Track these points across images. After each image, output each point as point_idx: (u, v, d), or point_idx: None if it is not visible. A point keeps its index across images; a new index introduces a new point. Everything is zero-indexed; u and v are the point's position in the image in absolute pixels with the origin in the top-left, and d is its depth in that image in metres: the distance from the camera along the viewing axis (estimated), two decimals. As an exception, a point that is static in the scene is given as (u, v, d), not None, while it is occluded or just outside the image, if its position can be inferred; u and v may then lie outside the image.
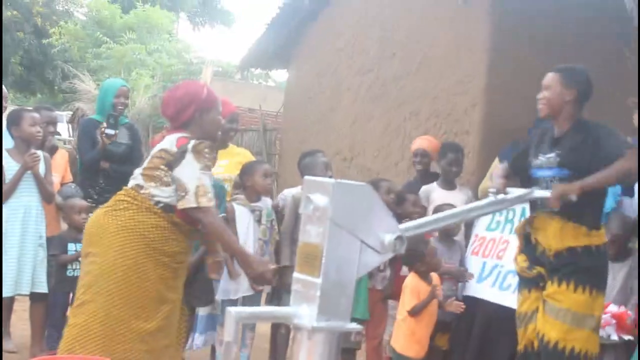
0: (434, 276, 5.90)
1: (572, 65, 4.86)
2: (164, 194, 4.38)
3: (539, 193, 4.65)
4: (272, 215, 6.27)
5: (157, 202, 4.39)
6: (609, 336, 5.19)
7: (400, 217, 6.10)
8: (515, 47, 7.55)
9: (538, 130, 5.04)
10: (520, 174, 4.97)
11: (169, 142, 4.45)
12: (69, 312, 4.77)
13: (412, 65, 8.71)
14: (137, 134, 7.21)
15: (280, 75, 25.08)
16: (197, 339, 6.27)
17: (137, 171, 4.54)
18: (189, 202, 4.30)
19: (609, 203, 5.55)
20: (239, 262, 4.57)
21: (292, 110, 12.20)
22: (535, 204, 4.82)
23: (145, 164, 4.53)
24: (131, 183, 4.53)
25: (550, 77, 4.80)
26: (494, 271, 6.16)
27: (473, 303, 6.18)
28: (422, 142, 7.29)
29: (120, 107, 6.91)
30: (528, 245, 4.88)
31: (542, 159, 4.79)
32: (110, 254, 4.30)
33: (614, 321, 5.17)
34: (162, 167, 4.39)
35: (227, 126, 6.62)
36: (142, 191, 4.42)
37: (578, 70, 4.82)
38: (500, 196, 4.61)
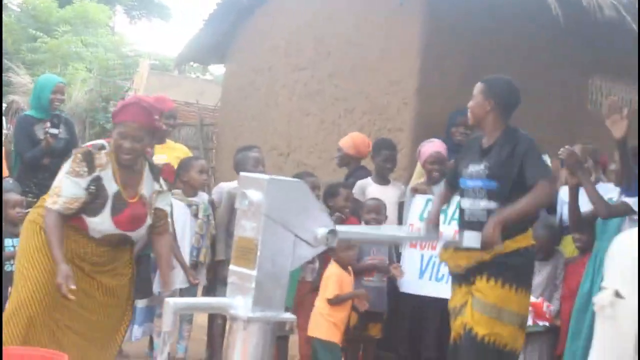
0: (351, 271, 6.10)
1: (497, 75, 5.05)
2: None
3: (468, 242, 4.73)
4: (209, 210, 6.40)
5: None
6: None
7: (332, 211, 6.29)
8: (447, 50, 7.81)
9: (469, 139, 5.27)
10: (456, 187, 5.19)
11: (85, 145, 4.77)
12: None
13: (346, 64, 8.90)
14: (73, 127, 7.37)
15: (218, 69, 25.06)
16: (136, 330, 6.39)
17: None
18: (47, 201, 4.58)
19: None
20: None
21: (229, 105, 12.29)
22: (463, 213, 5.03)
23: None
24: None
25: (476, 87, 5.00)
26: (430, 263, 6.37)
27: (406, 296, 6.40)
28: (342, 141, 7.52)
29: (57, 103, 6.99)
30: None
31: (471, 169, 4.96)
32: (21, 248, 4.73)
33: (531, 308, 5.40)
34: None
35: (164, 122, 6.75)
36: None
37: (499, 81, 4.99)
38: (431, 227, 4.91)
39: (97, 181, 4.55)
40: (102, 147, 4.60)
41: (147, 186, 4.73)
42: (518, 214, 4.72)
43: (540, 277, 5.78)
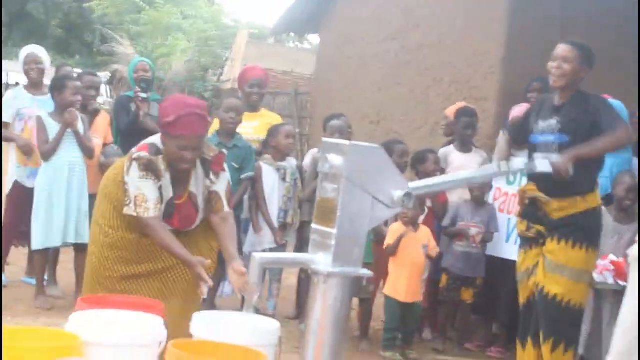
0: (424, 231, 6.32)
1: (585, 43, 5.17)
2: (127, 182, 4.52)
3: (541, 166, 4.93)
4: (297, 174, 6.74)
5: (125, 182, 4.54)
6: (605, 281, 5.62)
7: (421, 177, 6.51)
8: (532, 19, 7.91)
9: (538, 99, 5.43)
10: (519, 142, 5.37)
11: (139, 146, 4.61)
12: None
13: (434, 35, 9.08)
14: None
15: (315, 39, 25.35)
16: (227, 287, 6.80)
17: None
18: (130, 210, 4.48)
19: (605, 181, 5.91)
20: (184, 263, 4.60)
21: (322, 74, 12.58)
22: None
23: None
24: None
25: (568, 50, 5.08)
26: (516, 227, 6.54)
27: (500, 261, 6.59)
28: (449, 109, 7.69)
29: (140, 81, 7.37)
30: (530, 207, 5.28)
31: (542, 125, 5.15)
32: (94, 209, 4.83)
33: (612, 267, 5.57)
34: (127, 163, 4.53)
35: (247, 90, 7.12)
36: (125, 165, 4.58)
37: (590, 49, 5.15)
38: (504, 165, 5.02)
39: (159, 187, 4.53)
40: (158, 152, 4.50)
41: (198, 183, 4.64)
42: (595, 151, 4.93)
43: (622, 240, 5.86)
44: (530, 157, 5.24)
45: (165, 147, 4.48)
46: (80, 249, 6.72)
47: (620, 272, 5.63)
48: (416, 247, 6.24)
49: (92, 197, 6.66)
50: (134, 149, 4.56)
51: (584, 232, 5.05)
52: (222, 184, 4.70)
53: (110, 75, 16.73)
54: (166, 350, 3.62)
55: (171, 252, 4.54)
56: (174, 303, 4.68)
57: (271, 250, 6.53)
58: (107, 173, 4.86)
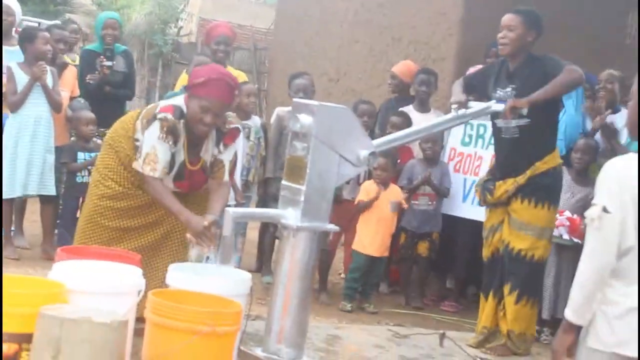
0: (393, 190, 6.58)
1: (530, 8, 5.42)
2: (139, 139, 4.76)
3: (495, 107, 5.26)
4: (260, 133, 6.92)
5: (136, 139, 4.79)
6: (561, 236, 5.95)
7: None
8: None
9: (496, 62, 5.68)
10: (475, 92, 5.61)
11: (165, 101, 4.87)
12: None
13: (394, -6, 9.25)
14: (131, 60, 8.02)
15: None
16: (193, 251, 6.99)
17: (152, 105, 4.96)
18: (137, 165, 4.70)
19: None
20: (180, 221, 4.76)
21: (281, 30, 12.67)
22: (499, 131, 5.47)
23: (152, 105, 4.96)
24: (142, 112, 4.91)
25: (512, 19, 5.33)
26: (472, 187, 6.66)
27: (455, 220, 6.83)
28: (396, 67, 7.86)
29: (109, 39, 7.53)
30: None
31: (500, 92, 5.40)
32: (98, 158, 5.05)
33: (567, 223, 5.88)
34: (146, 120, 4.72)
35: (213, 47, 7.27)
36: (136, 122, 4.80)
37: (537, 14, 5.40)
38: (462, 111, 5.28)
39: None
40: (182, 115, 4.64)
41: (208, 151, 4.83)
42: (546, 93, 5.14)
43: (574, 199, 6.14)
44: (493, 122, 5.52)
45: (188, 109, 4.63)
46: (45, 200, 6.86)
47: (574, 229, 5.94)
48: (385, 204, 6.48)
49: (59, 149, 6.82)
50: (158, 108, 4.68)
51: (545, 191, 5.35)
52: (229, 154, 4.90)
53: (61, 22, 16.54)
54: (145, 298, 3.84)
55: (171, 212, 4.73)
56: (164, 256, 4.90)
57: (237, 205, 6.70)
58: (115, 126, 5.01)
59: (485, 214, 5.65)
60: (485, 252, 5.60)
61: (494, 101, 5.33)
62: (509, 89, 5.35)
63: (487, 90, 5.51)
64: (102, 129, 7.36)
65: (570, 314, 2.88)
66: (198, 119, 4.61)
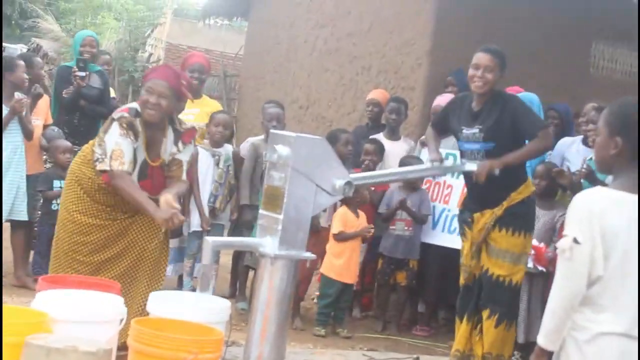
0: (363, 217, 6.71)
1: (499, 49, 5.53)
2: (97, 152, 4.90)
3: (469, 166, 5.44)
4: (230, 161, 7.02)
5: (96, 159, 4.91)
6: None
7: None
8: (458, 14, 8.30)
9: (457, 98, 5.82)
10: (443, 134, 5.79)
11: (120, 109, 5.06)
12: None
13: (364, 24, 9.41)
14: (107, 79, 8.11)
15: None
16: (168, 268, 7.05)
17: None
18: (104, 165, 4.84)
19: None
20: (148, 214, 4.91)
21: (252, 57, 12.79)
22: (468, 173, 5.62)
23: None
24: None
25: (490, 59, 5.40)
26: (442, 215, 6.88)
27: (426, 246, 6.95)
28: (375, 94, 8.04)
29: (86, 55, 7.65)
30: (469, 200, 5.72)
31: (466, 132, 5.51)
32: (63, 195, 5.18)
33: (532, 252, 6.01)
34: (103, 130, 4.95)
35: (188, 75, 7.34)
36: (94, 146, 4.97)
37: (505, 57, 5.50)
38: (437, 163, 5.47)
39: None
40: (137, 114, 4.90)
41: (168, 150, 5.05)
42: (518, 159, 5.35)
43: (540, 223, 6.23)
44: (461, 158, 5.67)
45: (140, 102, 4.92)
46: (16, 226, 6.90)
47: (539, 258, 6.09)
48: (355, 228, 6.62)
49: (34, 177, 6.87)
50: (115, 112, 4.93)
51: (521, 220, 5.49)
52: (186, 154, 5.16)
53: (28, 49, 16.60)
54: (127, 325, 3.91)
55: (141, 207, 4.87)
56: (140, 282, 4.99)
57: (194, 233, 6.79)
58: (75, 159, 5.17)
59: (462, 241, 5.76)
60: (462, 278, 5.70)
61: (467, 162, 5.49)
62: (475, 130, 5.46)
63: (454, 130, 5.65)
64: (77, 148, 7.48)
65: (542, 339, 3.01)
66: (144, 100, 4.89)
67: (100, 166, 4.85)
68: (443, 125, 5.77)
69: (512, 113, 5.39)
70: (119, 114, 4.89)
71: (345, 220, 6.61)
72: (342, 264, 6.59)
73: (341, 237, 6.59)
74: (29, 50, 16.58)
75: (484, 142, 5.43)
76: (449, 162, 5.55)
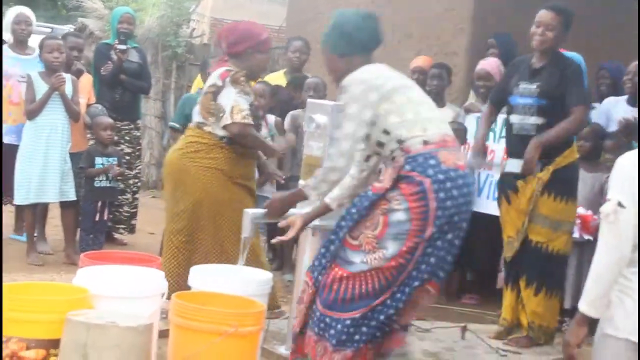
0: None
1: (566, 6, 5.42)
2: (213, 114, 5.11)
3: (510, 167, 5.51)
4: (273, 131, 6.98)
5: (222, 137, 5.11)
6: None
7: None
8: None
9: (516, 60, 5.70)
10: (501, 106, 5.70)
11: (215, 76, 5.15)
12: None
13: (404, -11, 9.26)
14: (144, 55, 8.30)
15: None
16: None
17: (196, 109, 5.27)
18: (225, 120, 5.04)
19: None
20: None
21: (293, 29, 12.67)
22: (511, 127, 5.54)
23: (200, 100, 5.26)
24: (194, 121, 5.27)
25: (552, 17, 5.34)
26: (486, 182, 6.73)
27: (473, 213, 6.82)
28: (418, 61, 7.91)
29: (124, 31, 7.71)
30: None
31: (523, 87, 5.45)
32: (196, 193, 5.13)
33: (578, 221, 5.89)
34: (212, 100, 5.10)
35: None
36: (205, 128, 5.14)
37: (572, 14, 5.42)
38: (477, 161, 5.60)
39: None
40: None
41: None
42: (554, 138, 5.30)
43: (586, 186, 6.04)
44: (507, 117, 5.59)
45: (251, 63, 5.22)
46: (65, 205, 6.94)
47: (586, 226, 5.95)
48: None
49: (76, 156, 6.90)
50: (215, 79, 5.13)
51: (564, 185, 5.42)
52: None
53: (75, 28, 16.66)
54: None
55: (268, 148, 5.52)
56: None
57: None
58: (177, 160, 5.26)
59: (501, 210, 5.66)
60: (508, 252, 5.59)
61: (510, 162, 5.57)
62: (533, 86, 5.40)
63: (509, 87, 5.56)
64: (119, 123, 7.53)
65: (584, 306, 2.94)
66: (264, 68, 5.63)
67: (221, 123, 5.07)
68: (502, 94, 5.67)
69: (567, 79, 5.33)
70: (232, 73, 5.09)
71: None
72: None
73: None
74: (75, 30, 16.66)
75: (538, 97, 5.36)
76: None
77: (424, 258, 3.75)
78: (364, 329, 3.72)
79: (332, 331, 3.74)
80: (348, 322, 3.71)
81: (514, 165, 5.44)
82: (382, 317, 3.74)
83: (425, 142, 3.79)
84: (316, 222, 4.42)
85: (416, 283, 3.77)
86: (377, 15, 4.33)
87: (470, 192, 3.87)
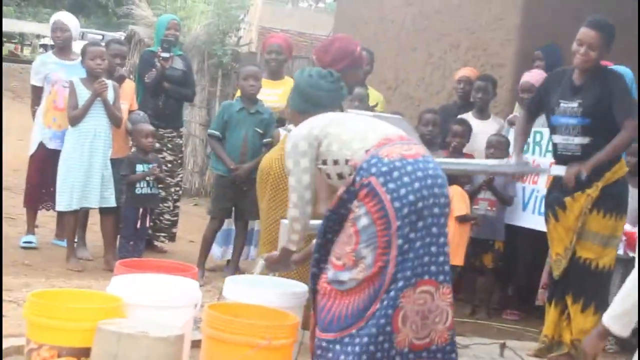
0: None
1: (608, 22, 5.29)
2: None
3: (555, 170, 5.37)
4: None
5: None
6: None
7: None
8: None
9: (556, 73, 5.58)
10: (537, 115, 5.59)
11: None
12: None
13: (453, 0, 9.17)
14: (189, 63, 8.30)
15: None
16: (252, 251, 7.06)
17: None
18: None
19: None
20: None
21: (340, 38, 12.66)
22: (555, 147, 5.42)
23: None
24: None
25: (594, 37, 5.19)
26: (532, 196, 6.61)
27: (515, 228, 6.71)
28: (465, 71, 7.83)
29: (170, 38, 7.68)
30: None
31: (564, 106, 5.32)
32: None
33: (624, 238, 5.75)
34: None
35: (266, 57, 7.39)
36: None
37: (614, 30, 5.29)
38: (520, 165, 5.39)
39: None
40: None
41: None
42: (605, 159, 5.17)
43: (633, 203, 5.91)
44: (550, 136, 5.49)
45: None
46: (105, 211, 6.95)
47: (631, 242, 5.82)
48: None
49: (117, 162, 6.92)
50: None
51: (614, 201, 5.28)
52: None
53: (126, 36, 16.84)
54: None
55: None
56: None
57: None
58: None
59: (549, 227, 5.53)
60: (556, 271, 5.45)
61: (555, 167, 5.46)
62: (575, 104, 5.28)
63: (549, 104, 5.44)
64: (162, 131, 7.53)
65: (608, 320, 2.85)
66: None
67: None
68: (539, 104, 5.57)
69: (610, 92, 5.19)
70: None
71: (466, 200, 6.40)
72: (462, 246, 6.45)
73: (466, 219, 6.41)
74: (125, 37, 16.83)
75: (582, 117, 5.24)
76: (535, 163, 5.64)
77: (403, 256, 3.70)
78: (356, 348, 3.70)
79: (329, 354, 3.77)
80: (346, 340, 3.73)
81: (559, 169, 5.33)
82: (374, 330, 3.67)
83: (367, 150, 3.85)
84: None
85: (400, 284, 3.70)
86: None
87: (428, 176, 3.81)
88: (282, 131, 6.76)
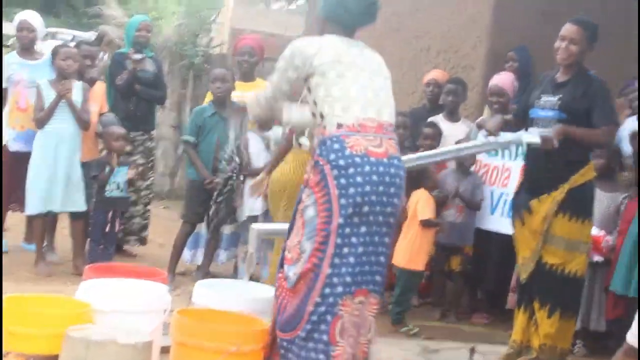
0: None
1: (589, 19, 5.34)
2: None
3: (527, 138, 5.26)
4: (280, 142, 6.91)
5: None
6: None
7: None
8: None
9: (542, 77, 5.60)
10: (525, 120, 5.60)
11: None
12: None
13: (425, 2, 9.17)
14: (160, 64, 8.24)
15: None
16: (222, 254, 7.03)
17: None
18: None
19: None
20: None
21: (311, 40, 12.62)
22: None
23: None
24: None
25: (575, 31, 5.25)
26: (500, 199, 6.65)
27: (484, 232, 6.74)
28: (434, 74, 7.85)
29: (141, 39, 7.63)
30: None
31: (545, 99, 5.35)
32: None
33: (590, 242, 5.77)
34: None
35: (237, 59, 7.36)
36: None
37: (597, 28, 5.32)
38: (492, 138, 5.27)
39: None
40: None
41: None
42: (580, 136, 5.17)
43: (602, 206, 5.99)
44: (529, 128, 5.47)
45: None
46: (74, 216, 6.88)
47: (596, 247, 5.85)
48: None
49: (87, 165, 6.84)
50: None
51: (580, 205, 5.28)
52: None
53: (96, 36, 16.68)
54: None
55: None
56: None
57: (250, 218, 6.70)
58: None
59: (515, 230, 5.54)
60: (524, 274, 5.46)
61: (528, 132, 5.35)
62: (555, 98, 5.30)
63: (531, 100, 5.47)
64: (133, 134, 7.47)
65: (631, 338, 2.82)
66: None
67: None
68: (524, 107, 5.57)
69: (592, 96, 5.22)
70: None
71: (431, 204, 6.36)
72: (425, 250, 6.40)
73: (430, 224, 6.34)
74: (96, 37, 16.67)
75: (559, 110, 5.25)
76: (505, 135, 5.34)
77: (341, 259, 3.60)
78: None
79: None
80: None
81: (531, 136, 5.24)
82: (316, 335, 3.62)
83: (339, 125, 3.72)
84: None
85: (339, 289, 3.60)
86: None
87: (382, 182, 3.69)
88: (249, 134, 6.76)
